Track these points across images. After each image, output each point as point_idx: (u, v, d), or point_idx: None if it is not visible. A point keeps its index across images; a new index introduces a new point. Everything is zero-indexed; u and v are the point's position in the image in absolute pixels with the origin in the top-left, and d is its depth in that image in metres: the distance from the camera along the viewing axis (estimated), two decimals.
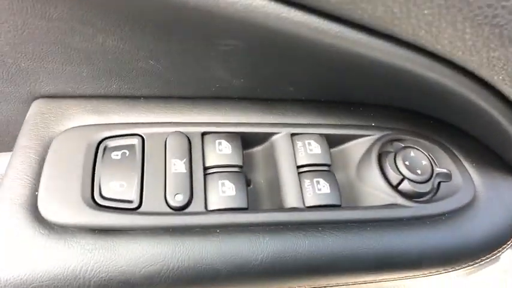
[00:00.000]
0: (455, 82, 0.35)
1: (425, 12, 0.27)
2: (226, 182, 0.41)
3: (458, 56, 0.31)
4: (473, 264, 0.47)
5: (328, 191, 0.43)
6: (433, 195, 0.46)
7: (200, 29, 0.32)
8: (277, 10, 0.28)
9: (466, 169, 0.49)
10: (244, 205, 0.40)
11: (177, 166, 0.40)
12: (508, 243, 0.48)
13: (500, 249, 0.48)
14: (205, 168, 0.42)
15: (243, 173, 0.42)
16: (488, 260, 0.48)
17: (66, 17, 0.33)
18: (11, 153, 0.41)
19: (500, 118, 0.40)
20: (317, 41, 0.31)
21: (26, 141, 0.40)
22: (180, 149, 0.41)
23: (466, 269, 0.48)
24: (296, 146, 0.45)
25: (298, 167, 0.44)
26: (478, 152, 0.51)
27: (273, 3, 0.28)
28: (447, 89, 0.36)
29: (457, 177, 0.48)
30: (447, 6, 0.27)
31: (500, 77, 0.33)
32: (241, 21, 0.29)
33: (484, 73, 0.33)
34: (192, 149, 0.42)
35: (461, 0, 0.26)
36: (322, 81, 0.43)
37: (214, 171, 0.42)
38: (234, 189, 0.41)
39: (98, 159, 0.40)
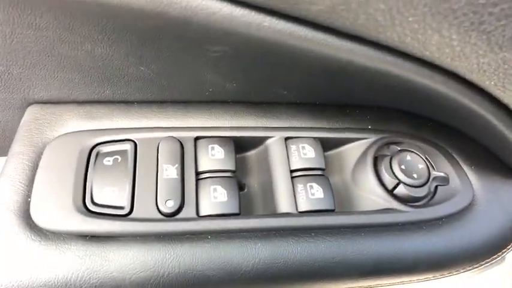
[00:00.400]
0: (447, 87, 0.35)
1: (410, 19, 0.27)
2: (218, 188, 0.41)
3: (448, 62, 0.31)
4: (471, 269, 0.47)
5: (322, 195, 0.42)
6: (429, 199, 0.46)
7: (185, 37, 0.32)
8: (259, 19, 0.28)
9: (465, 172, 0.48)
10: (235, 210, 0.40)
11: (169, 171, 0.40)
12: (508, 247, 0.47)
13: (500, 253, 0.47)
14: (197, 173, 0.42)
15: (236, 178, 0.42)
16: (487, 264, 0.47)
17: (52, 26, 0.33)
18: (5, 158, 0.42)
19: (496, 122, 0.39)
20: (301, 48, 0.30)
21: (19, 148, 0.41)
22: (172, 154, 0.41)
23: (464, 273, 0.47)
24: (290, 150, 0.45)
25: (292, 171, 0.44)
26: (477, 154, 0.50)
27: (253, 13, 0.27)
28: (439, 93, 0.36)
29: (455, 180, 0.47)
30: (432, 13, 0.26)
31: (492, 82, 0.32)
32: (224, 30, 0.29)
33: (476, 78, 0.33)
34: (185, 154, 0.42)
35: (445, 7, 0.26)
36: (313, 85, 0.43)
37: (207, 176, 0.42)
38: (226, 194, 0.40)
39: (90, 165, 0.40)
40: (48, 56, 0.37)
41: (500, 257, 0.48)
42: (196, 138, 0.43)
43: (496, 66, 0.30)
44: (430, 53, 0.30)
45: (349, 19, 0.27)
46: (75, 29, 0.33)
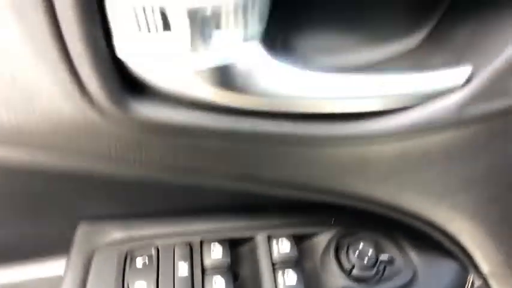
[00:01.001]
0: (380, 207, 0.51)
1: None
2: (218, 280, 0.56)
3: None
4: None
5: (295, 281, 0.57)
6: (379, 278, 0.60)
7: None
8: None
9: (407, 253, 0.63)
10: None
11: (182, 269, 0.56)
12: None
13: None
14: (203, 269, 0.57)
15: (231, 271, 0.58)
16: None
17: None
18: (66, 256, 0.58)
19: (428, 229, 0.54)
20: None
21: (75, 258, 0.57)
22: (184, 255, 0.57)
23: None
24: (272, 245, 0.60)
25: (273, 263, 0.59)
26: (418, 237, 0.64)
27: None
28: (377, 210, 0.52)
29: (399, 260, 0.62)
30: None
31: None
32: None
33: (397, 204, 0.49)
34: (193, 254, 0.58)
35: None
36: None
37: (210, 272, 0.57)
38: (224, 285, 0.56)
39: (126, 267, 0.56)
40: (119, 193, 0.54)
41: None
42: (202, 241, 0.59)
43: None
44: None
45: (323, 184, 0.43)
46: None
